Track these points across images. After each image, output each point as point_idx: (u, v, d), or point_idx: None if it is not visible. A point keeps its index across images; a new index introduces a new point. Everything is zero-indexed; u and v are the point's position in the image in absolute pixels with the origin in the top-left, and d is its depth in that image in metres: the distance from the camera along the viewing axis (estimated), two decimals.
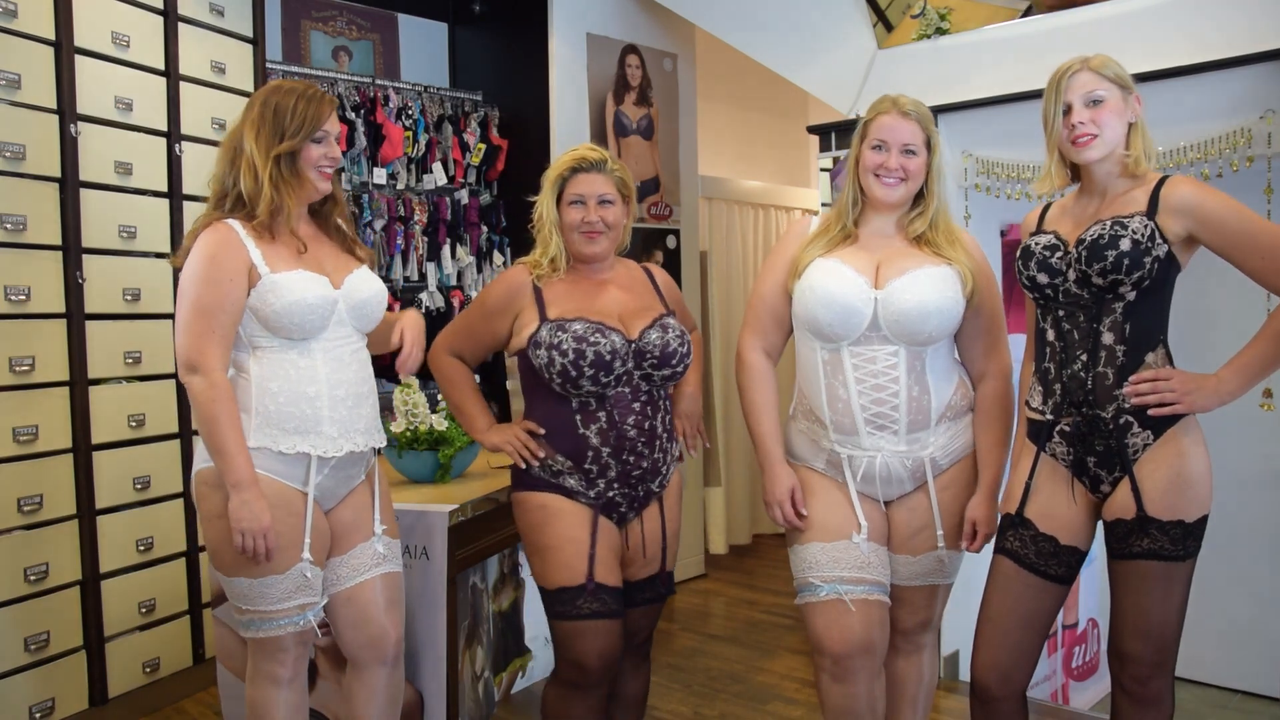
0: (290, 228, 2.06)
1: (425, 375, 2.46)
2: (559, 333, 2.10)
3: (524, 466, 2.19)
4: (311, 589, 2.06)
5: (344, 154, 3.85)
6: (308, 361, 2.04)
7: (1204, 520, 1.91)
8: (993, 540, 2.15)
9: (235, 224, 2.01)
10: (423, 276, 4.15)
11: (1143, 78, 2.00)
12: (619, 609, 2.15)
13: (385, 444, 2.25)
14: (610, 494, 2.16)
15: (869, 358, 2.06)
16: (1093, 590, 3.82)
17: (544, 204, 2.21)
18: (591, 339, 2.09)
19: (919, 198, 2.12)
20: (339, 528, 2.14)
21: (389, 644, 2.15)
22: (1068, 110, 1.96)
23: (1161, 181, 1.93)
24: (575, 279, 2.22)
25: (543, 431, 2.17)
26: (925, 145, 2.08)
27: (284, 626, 2.04)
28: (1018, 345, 2.25)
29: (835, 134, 3.68)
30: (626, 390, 2.14)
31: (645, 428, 2.16)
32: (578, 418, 2.13)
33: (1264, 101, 2.75)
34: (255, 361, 2.03)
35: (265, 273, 1.99)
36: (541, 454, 2.16)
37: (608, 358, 2.09)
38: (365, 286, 2.14)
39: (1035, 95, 3.08)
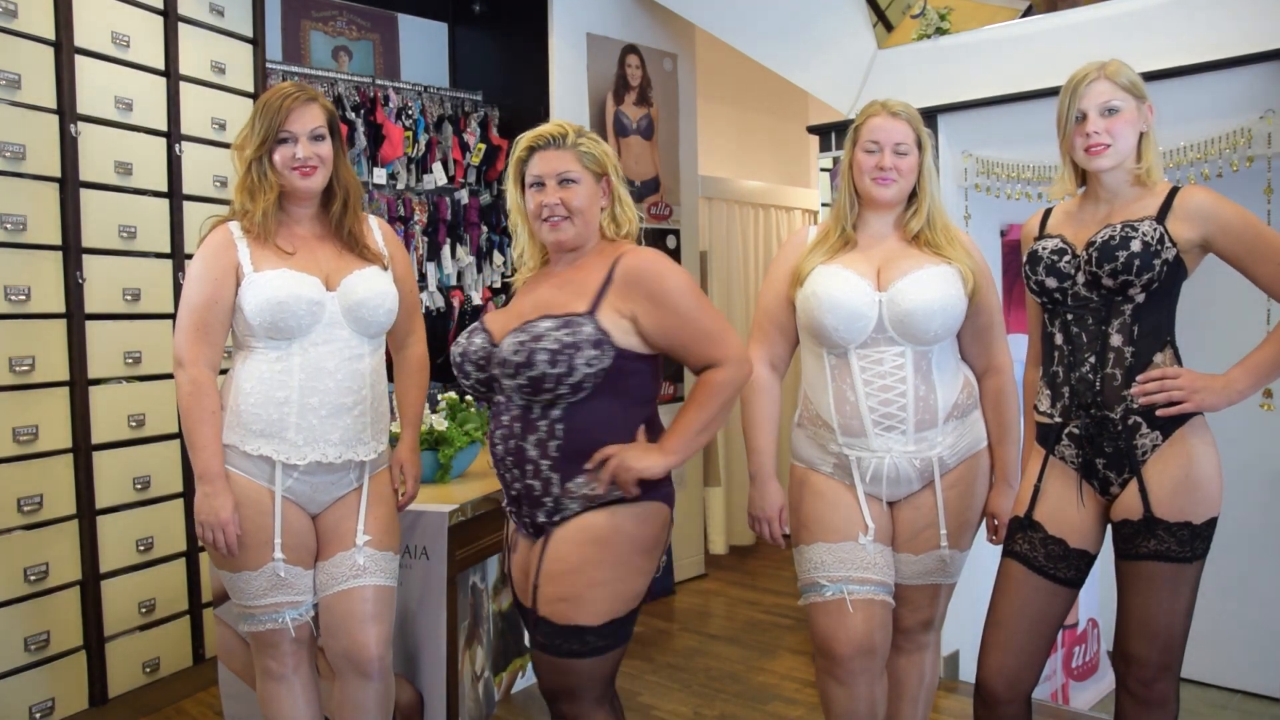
0: (277, 229, 2.08)
1: (436, 377, 2.42)
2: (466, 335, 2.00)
3: None
4: (290, 588, 2.07)
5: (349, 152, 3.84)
6: (284, 366, 2.05)
7: (1212, 522, 1.91)
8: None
9: (234, 226, 2.08)
10: (423, 277, 4.14)
11: (1143, 78, 2.01)
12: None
13: (374, 456, 2.15)
14: (509, 508, 2.01)
15: (876, 359, 2.07)
16: (1093, 590, 3.81)
17: (510, 193, 2.01)
18: (462, 340, 1.98)
19: (912, 197, 2.15)
20: (323, 533, 2.13)
21: (365, 658, 2.08)
22: (1082, 118, 1.97)
23: (1174, 191, 1.95)
24: (544, 273, 2.03)
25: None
26: (916, 145, 2.12)
27: (264, 623, 2.08)
28: (1017, 345, 2.25)
29: (835, 134, 3.68)
30: (501, 399, 1.93)
31: (511, 446, 1.90)
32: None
33: (1264, 101, 2.76)
34: (241, 361, 2.08)
35: (249, 271, 2.04)
36: None
37: (475, 358, 1.93)
38: (363, 287, 2.10)
39: (1035, 95, 3.14)
